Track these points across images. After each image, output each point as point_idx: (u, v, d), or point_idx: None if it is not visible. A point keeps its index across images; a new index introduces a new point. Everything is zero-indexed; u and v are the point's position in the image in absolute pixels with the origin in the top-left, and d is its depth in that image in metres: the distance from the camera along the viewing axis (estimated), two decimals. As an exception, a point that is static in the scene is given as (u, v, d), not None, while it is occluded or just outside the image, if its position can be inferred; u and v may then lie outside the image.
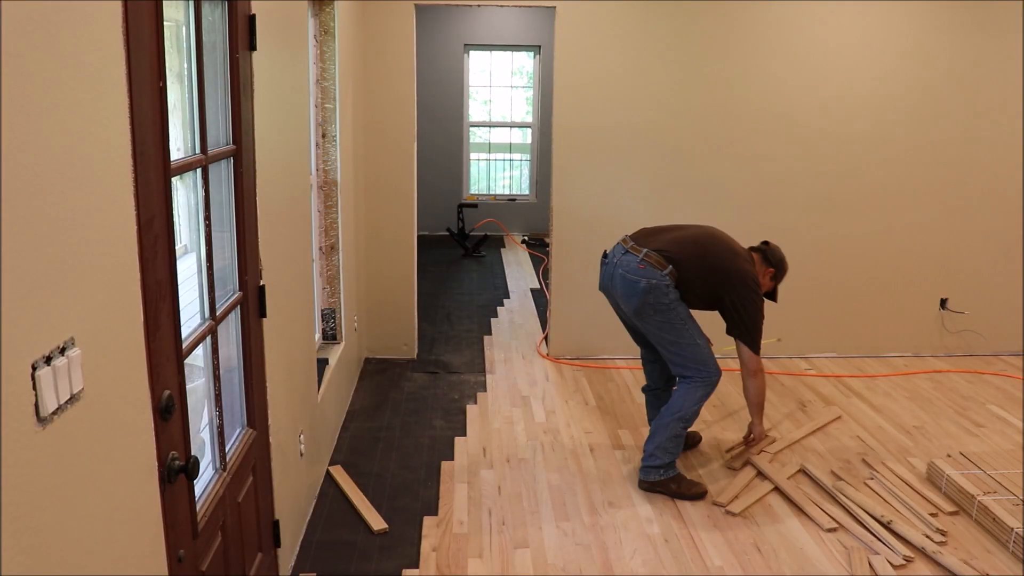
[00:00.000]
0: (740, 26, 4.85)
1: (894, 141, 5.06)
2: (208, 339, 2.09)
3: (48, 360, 1.19)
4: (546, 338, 5.39)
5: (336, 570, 2.97)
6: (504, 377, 4.89)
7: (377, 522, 3.25)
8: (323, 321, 4.19)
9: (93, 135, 1.34)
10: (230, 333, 2.33)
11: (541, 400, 4.54)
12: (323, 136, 3.99)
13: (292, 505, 2.96)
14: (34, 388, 1.15)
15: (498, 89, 9.33)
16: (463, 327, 5.87)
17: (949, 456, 3.74)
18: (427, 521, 3.28)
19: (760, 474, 3.67)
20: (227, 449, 2.25)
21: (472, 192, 9.36)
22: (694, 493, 3.45)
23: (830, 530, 3.23)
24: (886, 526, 3.21)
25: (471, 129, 9.21)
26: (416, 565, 3.00)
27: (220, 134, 2.19)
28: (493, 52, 9.09)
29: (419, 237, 5.34)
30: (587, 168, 4.97)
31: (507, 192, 9.50)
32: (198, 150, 1.97)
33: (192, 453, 1.82)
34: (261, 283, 2.49)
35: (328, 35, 3.87)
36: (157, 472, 1.62)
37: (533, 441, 4.02)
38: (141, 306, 1.54)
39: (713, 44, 4.87)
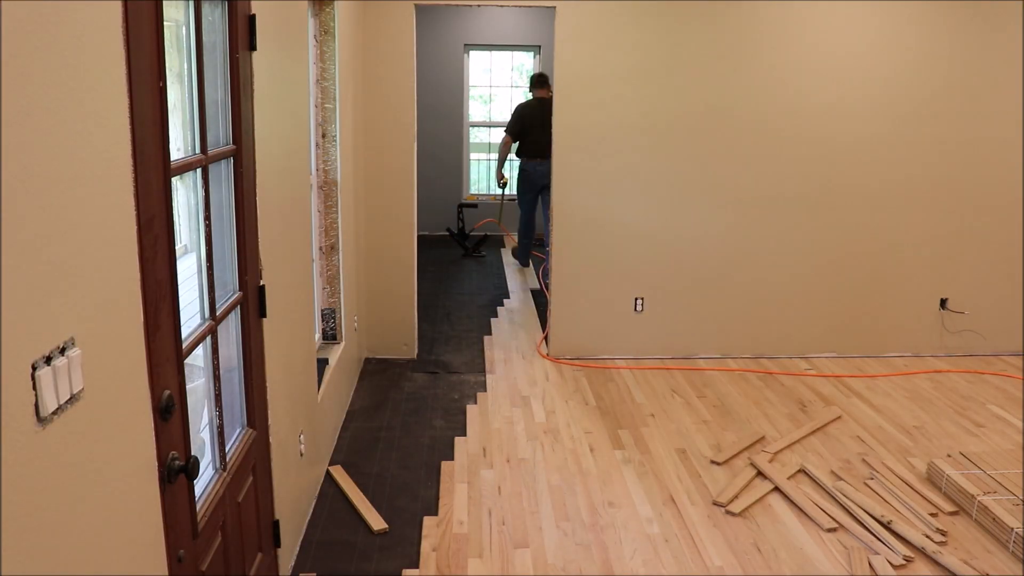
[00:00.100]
0: (740, 26, 4.85)
1: (894, 142, 5.06)
2: (208, 339, 2.09)
3: (48, 360, 1.19)
4: (546, 338, 5.39)
5: (336, 570, 2.97)
6: (504, 377, 4.89)
7: (377, 522, 3.25)
8: (323, 321, 4.19)
9: (93, 135, 1.34)
10: (230, 333, 2.33)
11: (541, 400, 4.54)
12: (323, 136, 3.99)
13: (292, 505, 2.96)
14: (34, 388, 1.15)
15: (498, 89, 9.33)
16: (463, 327, 5.86)
17: (949, 456, 3.74)
18: (427, 521, 3.28)
19: (760, 474, 3.67)
20: (227, 449, 2.25)
21: (472, 192, 9.35)
22: None
23: (830, 530, 3.23)
24: (886, 526, 3.21)
25: (471, 129, 9.21)
26: (416, 565, 3.00)
27: (220, 134, 2.19)
28: (493, 52, 9.08)
29: (419, 237, 5.34)
30: (587, 168, 4.97)
31: (507, 192, 9.48)
32: (198, 150, 1.97)
33: (192, 453, 1.82)
34: (261, 283, 2.49)
35: (328, 35, 3.87)
36: (157, 472, 1.62)
37: (533, 441, 4.02)
38: (141, 306, 1.54)
39: (713, 44, 4.87)
